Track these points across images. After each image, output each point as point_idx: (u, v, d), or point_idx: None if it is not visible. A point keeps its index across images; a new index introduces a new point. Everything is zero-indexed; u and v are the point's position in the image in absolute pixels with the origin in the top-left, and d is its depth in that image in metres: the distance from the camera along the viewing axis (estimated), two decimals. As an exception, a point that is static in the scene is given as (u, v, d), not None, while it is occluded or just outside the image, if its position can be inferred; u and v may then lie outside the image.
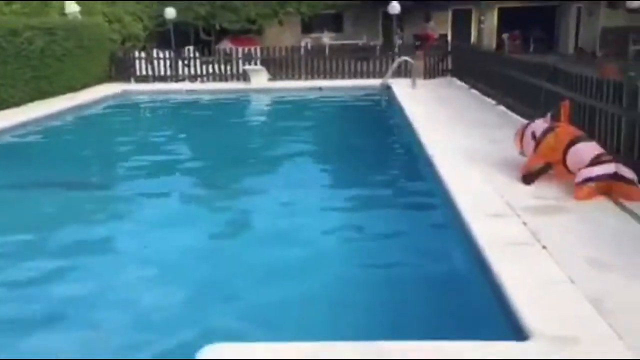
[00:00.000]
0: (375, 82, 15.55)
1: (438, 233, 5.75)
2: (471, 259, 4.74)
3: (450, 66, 16.20)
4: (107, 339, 3.98)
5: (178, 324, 4.11)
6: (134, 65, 16.73)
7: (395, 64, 15.49)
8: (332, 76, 16.46)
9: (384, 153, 9.29)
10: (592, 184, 5.65)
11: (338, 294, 4.50)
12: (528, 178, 6.20)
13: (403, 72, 15.64)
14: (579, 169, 5.74)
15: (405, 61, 15.39)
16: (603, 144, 6.26)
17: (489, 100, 11.42)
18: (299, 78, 16.59)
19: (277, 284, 4.66)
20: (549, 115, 6.52)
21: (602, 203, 5.55)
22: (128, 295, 4.61)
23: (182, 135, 11.36)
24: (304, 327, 4.01)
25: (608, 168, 5.61)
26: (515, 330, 3.50)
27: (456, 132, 8.86)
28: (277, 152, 9.49)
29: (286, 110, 13.85)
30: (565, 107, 6.38)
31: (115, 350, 3.83)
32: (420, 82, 14.68)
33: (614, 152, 6.11)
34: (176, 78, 16.75)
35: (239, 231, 5.99)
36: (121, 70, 16.73)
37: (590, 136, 6.39)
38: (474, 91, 12.72)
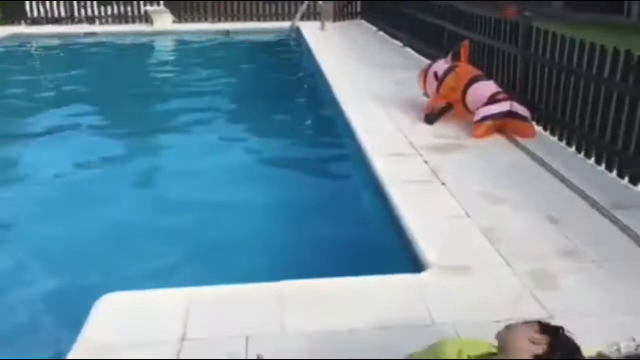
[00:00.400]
0: (284, 24, 15.26)
1: (343, 172, 5.83)
2: (374, 196, 4.84)
3: (359, 9, 16.12)
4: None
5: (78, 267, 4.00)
6: (24, 6, 15.49)
7: (304, 6, 15.24)
8: (240, 19, 15.99)
9: (291, 95, 9.22)
10: (489, 122, 5.85)
11: (241, 229, 4.49)
12: (430, 118, 6.34)
13: (313, 14, 15.43)
14: (477, 108, 5.92)
15: (313, 2, 15.17)
16: (500, 83, 6.47)
17: (396, 42, 11.50)
18: (206, 20, 16.01)
19: (179, 222, 4.61)
20: (450, 55, 6.64)
21: (498, 140, 5.78)
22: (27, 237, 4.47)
23: (80, 81, 10.70)
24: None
25: (503, 106, 5.82)
26: (414, 263, 3.62)
27: (363, 74, 8.88)
28: (179, 94, 9.17)
29: (190, 53, 13.32)
30: (465, 47, 6.51)
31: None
32: (329, 25, 14.54)
33: (510, 90, 6.33)
34: (72, 20, 15.70)
35: (134, 170, 5.87)
36: (10, 12, 15.45)
37: (489, 75, 6.58)
38: (382, 33, 12.76)
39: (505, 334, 2.29)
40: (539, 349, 2.19)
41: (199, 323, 2.97)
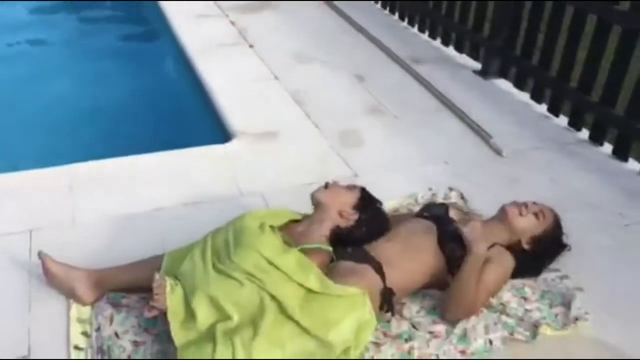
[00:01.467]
0: None
1: (149, 39, 5.32)
2: (178, 63, 4.48)
3: None
4: None
5: None
6: None
7: None
8: None
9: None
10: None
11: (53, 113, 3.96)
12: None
13: None
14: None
15: None
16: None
17: None
18: None
19: None
20: None
21: (311, 2, 5.58)
22: None
23: None
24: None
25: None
26: (222, 132, 3.44)
27: None
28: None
29: None
30: None
31: None
32: None
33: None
34: None
35: None
36: None
37: None
38: None
39: (319, 196, 2.24)
40: (344, 223, 2.18)
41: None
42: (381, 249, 2.16)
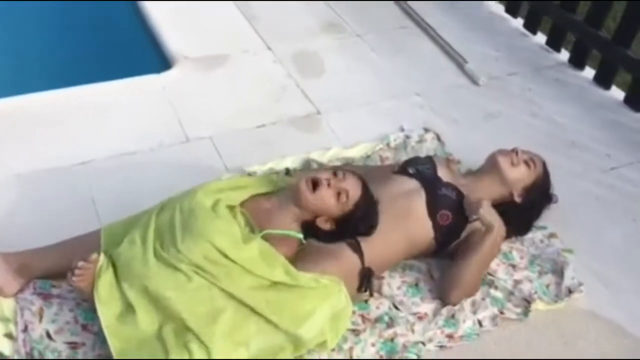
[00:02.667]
0: None
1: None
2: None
3: None
4: None
5: None
6: None
7: None
8: None
9: None
10: None
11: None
12: None
13: None
14: None
15: None
16: None
17: None
18: None
19: None
20: None
21: None
22: None
23: None
24: None
25: None
26: (162, 59, 2.93)
27: None
28: None
29: None
30: None
31: None
32: None
33: None
34: None
35: None
36: None
37: None
38: None
39: (309, 205, 1.80)
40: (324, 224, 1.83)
41: None
42: (359, 219, 1.86)
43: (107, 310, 1.56)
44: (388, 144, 2.45)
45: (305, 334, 1.63)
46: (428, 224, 1.91)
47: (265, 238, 1.70)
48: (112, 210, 1.99)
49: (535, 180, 2.08)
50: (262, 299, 1.60)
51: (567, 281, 1.97)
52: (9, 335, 1.70)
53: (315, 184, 1.75)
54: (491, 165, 2.08)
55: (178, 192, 1.83)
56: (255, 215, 1.75)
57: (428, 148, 2.46)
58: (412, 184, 1.98)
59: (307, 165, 2.32)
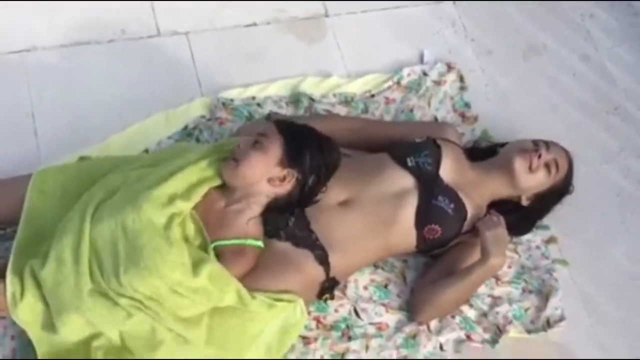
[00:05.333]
0: None
1: None
2: None
3: None
4: None
5: None
6: None
7: None
8: None
9: None
10: None
11: None
12: None
13: None
14: None
15: None
16: None
17: None
18: None
19: None
20: None
21: None
22: None
23: None
24: None
25: None
26: None
27: None
28: None
29: None
30: None
31: None
32: None
33: None
34: None
35: None
36: None
37: None
38: None
39: (233, 181, 1.49)
40: (280, 189, 1.52)
41: None
42: (333, 222, 1.59)
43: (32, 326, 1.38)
44: (399, 82, 2.03)
45: (251, 356, 1.49)
46: (412, 234, 1.65)
47: (217, 251, 1.45)
48: (54, 121, 1.74)
49: (552, 185, 1.77)
50: (204, 328, 1.42)
51: (549, 311, 1.78)
52: None
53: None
54: (505, 164, 1.74)
55: (120, 161, 1.55)
56: (206, 218, 1.47)
57: (445, 93, 2.05)
58: (406, 182, 1.66)
59: (295, 97, 1.94)
